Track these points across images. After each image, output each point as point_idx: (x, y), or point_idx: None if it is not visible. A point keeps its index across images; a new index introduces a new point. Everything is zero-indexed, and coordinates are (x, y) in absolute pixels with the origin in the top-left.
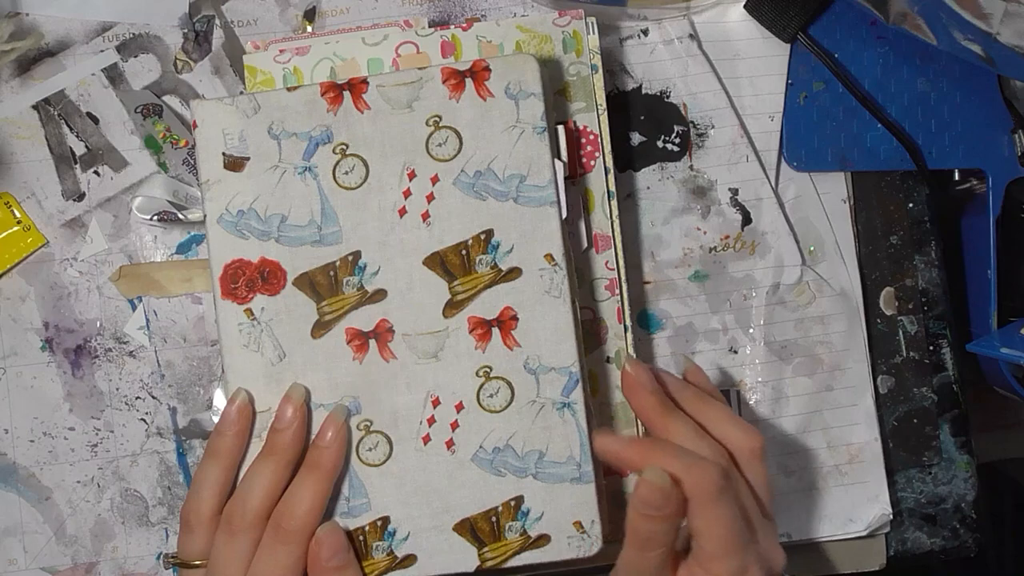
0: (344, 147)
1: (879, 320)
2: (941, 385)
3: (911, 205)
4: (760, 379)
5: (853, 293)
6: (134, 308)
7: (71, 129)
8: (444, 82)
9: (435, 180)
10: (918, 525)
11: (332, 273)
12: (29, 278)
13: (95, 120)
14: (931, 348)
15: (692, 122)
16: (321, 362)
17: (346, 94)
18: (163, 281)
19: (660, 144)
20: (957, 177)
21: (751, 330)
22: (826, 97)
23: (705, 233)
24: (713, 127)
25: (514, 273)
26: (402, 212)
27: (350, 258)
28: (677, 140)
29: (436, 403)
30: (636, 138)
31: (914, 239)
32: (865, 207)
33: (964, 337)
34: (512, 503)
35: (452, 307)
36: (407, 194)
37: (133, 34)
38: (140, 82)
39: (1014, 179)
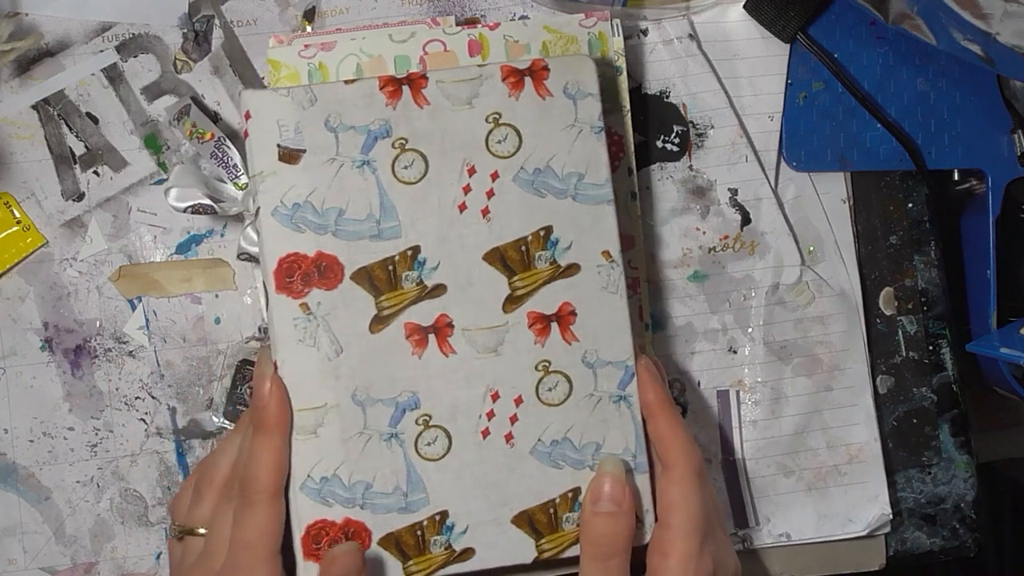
0: (403, 142)
1: (879, 320)
2: (941, 385)
3: (911, 205)
4: (760, 379)
5: (852, 293)
6: (134, 308)
7: (71, 129)
8: (503, 80)
9: (495, 176)
10: (917, 525)
11: (391, 268)
12: (29, 278)
13: (95, 120)
14: (931, 348)
15: (692, 122)
16: (379, 357)
17: (405, 88)
18: (163, 281)
19: (659, 144)
20: (956, 177)
21: (750, 330)
22: (826, 97)
23: (704, 233)
24: (713, 127)
25: (572, 269)
26: (462, 208)
27: (409, 253)
28: (676, 140)
29: (495, 397)
30: (636, 138)
31: (913, 239)
32: (864, 207)
33: (964, 337)
34: (569, 495)
35: (512, 302)
36: (467, 190)
37: (133, 34)
38: (140, 82)
39: (1014, 179)
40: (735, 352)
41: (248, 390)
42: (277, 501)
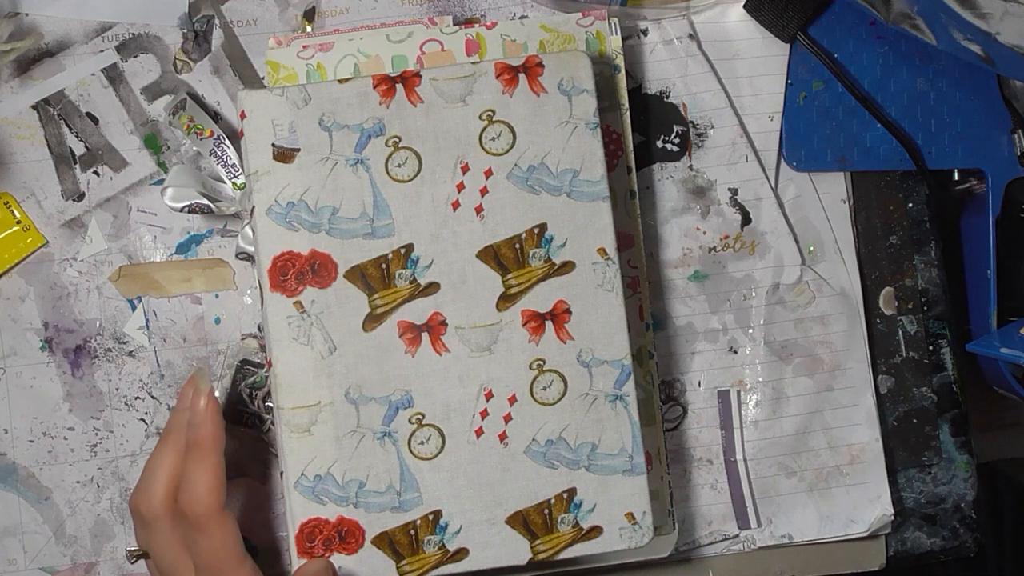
0: (397, 140)
1: (879, 320)
2: (941, 385)
3: (911, 205)
4: (760, 379)
5: (853, 293)
6: (134, 308)
7: (71, 129)
8: (497, 77)
9: (489, 174)
10: (918, 525)
11: (384, 266)
12: (29, 278)
13: (95, 120)
14: (931, 348)
15: (692, 122)
16: (372, 355)
17: (399, 87)
18: (163, 281)
19: (659, 144)
20: (957, 177)
21: (751, 330)
22: (825, 97)
23: (705, 233)
24: (713, 127)
25: (567, 267)
26: (455, 205)
27: (403, 251)
28: (676, 140)
29: (489, 396)
30: (636, 138)
31: (914, 239)
32: (864, 207)
33: (964, 337)
34: (565, 495)
35: (506, 300)
36: (460, 187)
37: (133, 34)
38: (140, 82)
39: (1014, 179)
40: (736, 352)
41: (248, 390)
42: (224, 515)
